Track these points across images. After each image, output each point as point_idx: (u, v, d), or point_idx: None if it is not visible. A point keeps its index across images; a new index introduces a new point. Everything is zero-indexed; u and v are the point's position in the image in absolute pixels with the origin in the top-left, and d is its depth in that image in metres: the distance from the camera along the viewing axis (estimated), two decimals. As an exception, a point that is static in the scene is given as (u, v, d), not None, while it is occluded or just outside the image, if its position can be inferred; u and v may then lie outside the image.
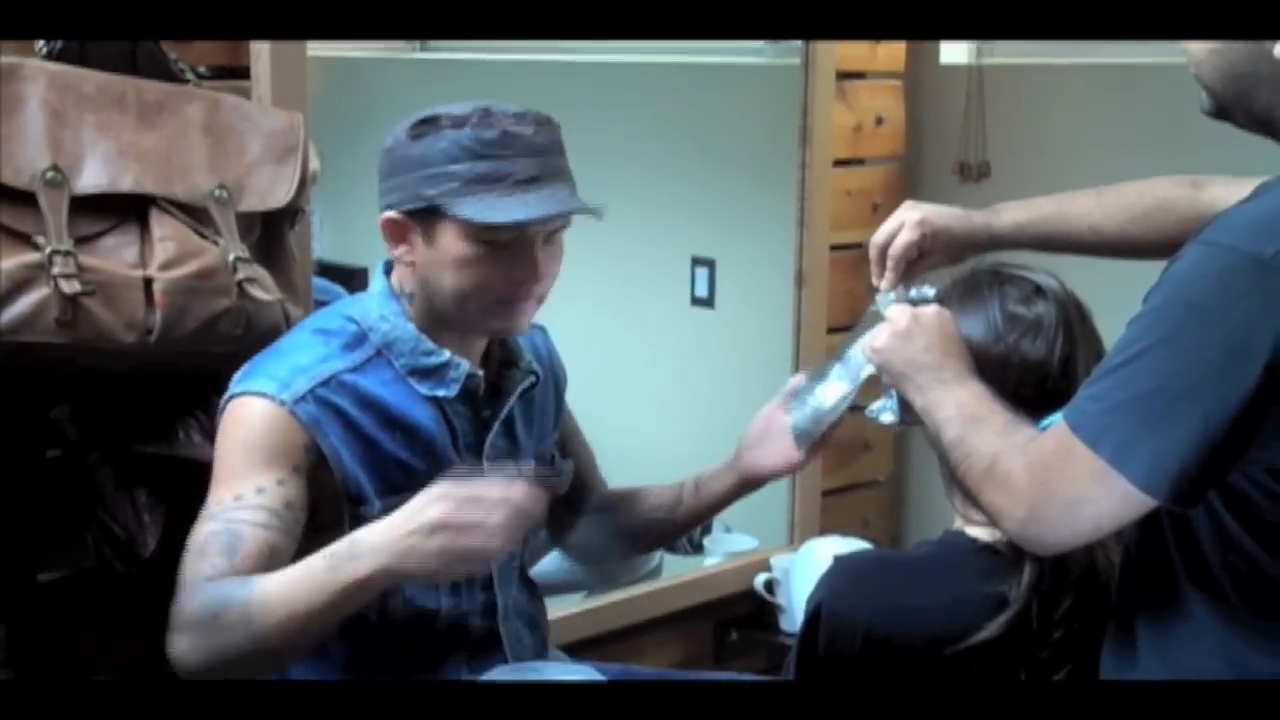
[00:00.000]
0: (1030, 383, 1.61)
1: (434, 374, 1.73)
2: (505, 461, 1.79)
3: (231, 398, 1.68)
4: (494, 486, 1.49)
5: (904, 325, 1.63)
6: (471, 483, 1.49)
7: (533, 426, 1.87)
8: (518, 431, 1.84)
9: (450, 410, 1.75)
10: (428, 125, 1.67)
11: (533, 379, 1.84)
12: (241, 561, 1.56)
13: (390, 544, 1.46)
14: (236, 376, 1.70)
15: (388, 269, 1.78)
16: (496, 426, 1.80)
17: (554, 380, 1.95)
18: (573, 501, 2.01)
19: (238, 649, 1.50)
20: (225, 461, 1.65)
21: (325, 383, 1.67)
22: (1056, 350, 1.63)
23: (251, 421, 1.65)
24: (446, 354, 1.73)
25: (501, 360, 1.82)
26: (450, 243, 1.67)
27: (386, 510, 1.53)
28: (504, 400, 1.80)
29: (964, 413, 1.51)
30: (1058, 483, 1.36)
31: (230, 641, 1.50)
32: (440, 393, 1.73)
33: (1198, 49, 1.40)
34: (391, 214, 1.70)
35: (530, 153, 1.66)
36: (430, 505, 1.47)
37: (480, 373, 1.76)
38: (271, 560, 1.57)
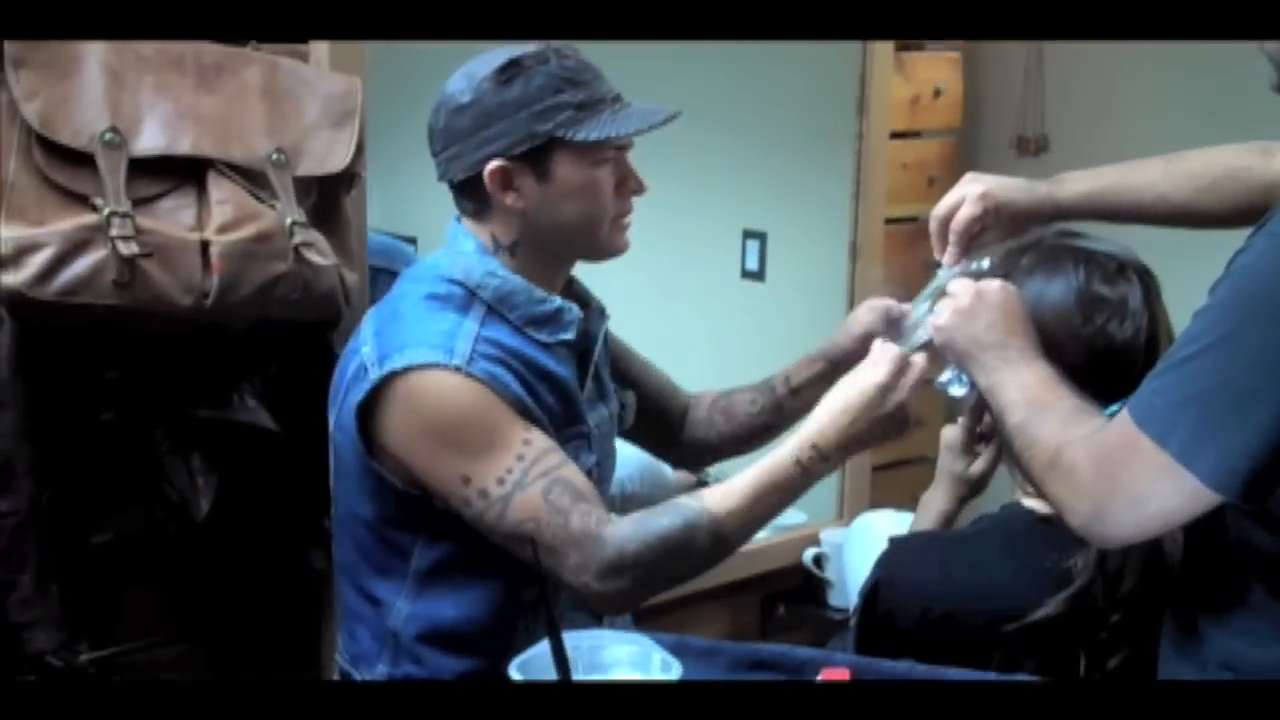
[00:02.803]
0: (1116, 364, 1.57)
1: (550, 321, 1.76)
2: (597, 402, 1.85)
3: (394, 374, 1.65)
4: (896, 368, 1.63)
5: (967, 302, 1.59)
6: (877, 368, 1.63)
7: (606, 365, 1.91)
8: (601, 372, 1.88)
9: (565, 354, 1.79)
10: (514, 68, 1.69)
11: (607, 317, 1.89)
12: (597, 498, 1.66)
13: (854, 439, 1.62)
14: (376, 353, 1.67)
15: (463, 228, 1.78)
16: (591, 368, 1.83)
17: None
18: (667, 413, 2.05)
19: (704, 565, 1.65)
20: (467, 438, 1.65)
21: (477, 342, 1.68)
22: (1143, 333, 1.60)
23: (455, 393, 1.65)
24: (558, 300, 1.77)
25: (576, 303, 1.83)
26: (568, 172, 1.71)
27: None
28: (593, 341, 1.84)
29: (1028, 397, 1.48)
30: (1124, 477, 1.33)
31: (693, 561, 1.64)
32: (561, 336, 1.76)
33: None
34: (499, 162, 1.70)
35: (602, 76, 1.74)
36: (885, 398, 1.62)
37: (583, 315, 1.80)
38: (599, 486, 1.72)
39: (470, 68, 1.72)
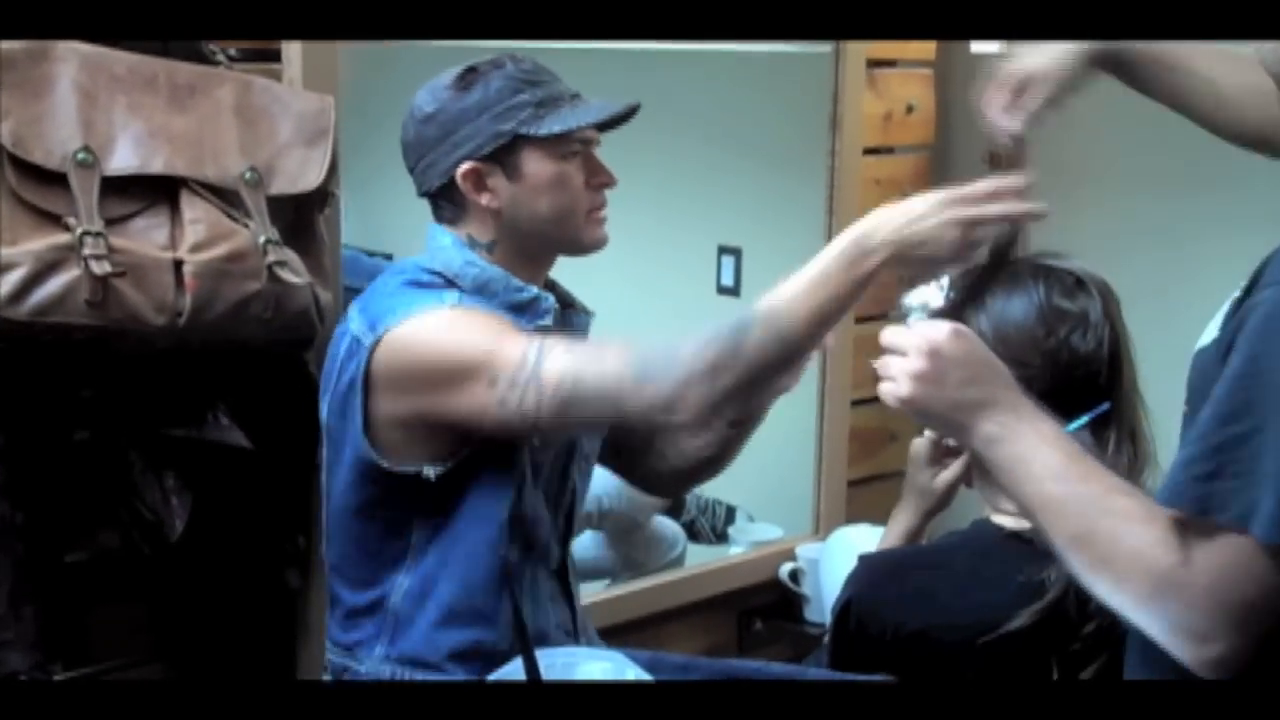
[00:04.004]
0: (1080, 377, 1.58)
1: (528, 308, 1.79)
2: None
3: (388, 330, 1.69)
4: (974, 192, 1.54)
5: (928, 365, 1.36)
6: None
7: None
8: None
9: None
10: (471, 75, 1.76)
11: (592, 315, 1.91)
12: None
13: (906, 241, 1.53)
14: (366, 324, 1.72)
15: (441, 227, 1.82)
16: None
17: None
18: (636, 432, 2.04)
19: (765, 361, 1.60)
20: (479, 341, 1.68)
21: (461, 301, 1.74)
22: (1105, 345, 1.61)
23: (454, 319, 1.71)
24: (535, 289, 1.80)
25: (558, 301, 1.86)
26: (536, 167, 1.77)
27: None
28: (575, 336, 1.85)
29: (1072, 496, 1.27)
30: (1240, 591, 1.19)
31: (759, 356, 1.59)
32: (538, 323, 1.79)
33: None
34: (469, 164, 1.75)
35: (559, 78, 1.81)
36: (938, 200, 1.54)
37: (559, 308, 1.83)
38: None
39: (432, 82, 1.78)
